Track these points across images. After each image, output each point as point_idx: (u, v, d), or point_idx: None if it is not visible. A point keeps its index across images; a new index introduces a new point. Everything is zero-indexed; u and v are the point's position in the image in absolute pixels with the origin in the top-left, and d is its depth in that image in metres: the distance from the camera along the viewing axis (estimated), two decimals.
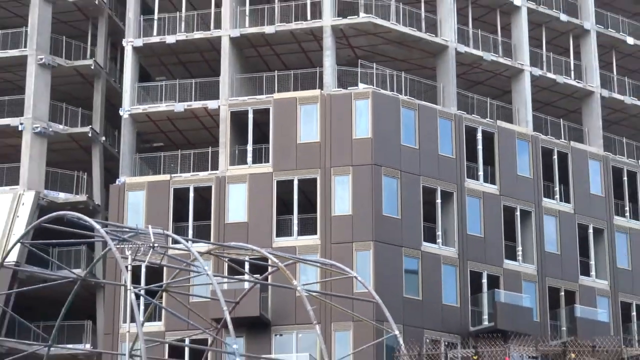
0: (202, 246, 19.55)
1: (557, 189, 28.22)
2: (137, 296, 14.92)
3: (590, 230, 28.36)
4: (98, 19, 30.05)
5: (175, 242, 17.30)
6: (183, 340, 22.08)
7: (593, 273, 28.09)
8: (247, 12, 27.44)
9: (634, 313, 28.66)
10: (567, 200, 28.39)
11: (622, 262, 29.06)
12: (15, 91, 28.85)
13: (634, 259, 29.18)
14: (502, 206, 26.75)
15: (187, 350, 22.86)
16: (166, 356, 22.13)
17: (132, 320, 14.57)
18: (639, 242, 29.69)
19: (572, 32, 31.22)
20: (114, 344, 23.01)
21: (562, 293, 27.13)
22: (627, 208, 29.91)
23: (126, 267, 13.81)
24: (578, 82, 30.33)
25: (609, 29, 31.43)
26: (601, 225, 28.80)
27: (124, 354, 17.78)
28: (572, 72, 30.62)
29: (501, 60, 28.87)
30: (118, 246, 14.18)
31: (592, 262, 28.20)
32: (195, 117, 27.22)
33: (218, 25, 27.18)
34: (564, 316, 26.96)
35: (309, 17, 26.72)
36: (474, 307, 24.97)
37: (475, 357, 16.70)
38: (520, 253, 26.63)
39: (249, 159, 25.27)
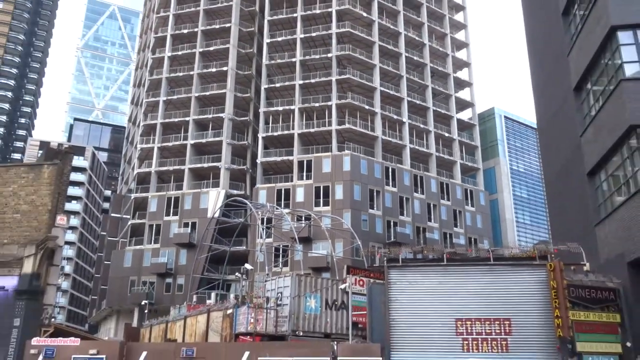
0: (286, 210, 53.42)
1: None
2: (262, 221, 49.27)
3: None
4: None
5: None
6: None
7: None
8: None
9: None
10: None
11: None
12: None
13: None
14: None
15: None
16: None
17: (261, 237, 48.84)
18: None
19: None
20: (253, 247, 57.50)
21: None
22: None
23: (258, 213, 48.21)
24: None
25: None
26: None
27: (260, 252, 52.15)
28: None
29: None
30: (255, 208, 48.69)
31: None
32: None
33: None
34: None
35: None
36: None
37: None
38: None
39: None
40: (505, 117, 77.56)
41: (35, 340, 18.13)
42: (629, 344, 17.72)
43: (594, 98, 22.92)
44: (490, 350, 16.35)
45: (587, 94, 23.66)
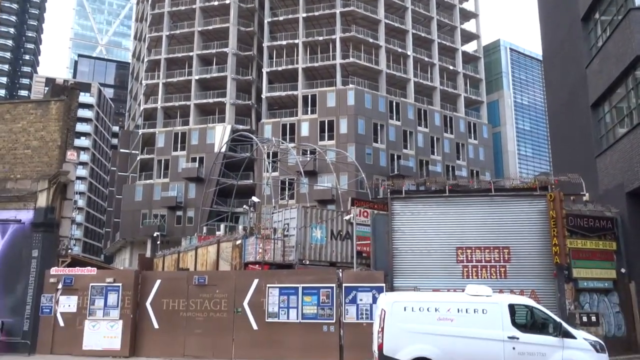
0: (291, 144, 53.39)
1: None
2: (268, 155, 49.44)
3: None
4: None
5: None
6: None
7: None
8: None
9: None
10: None
11: None
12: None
13: None
14: None
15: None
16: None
17: (267, 170, 49.08)
18: None
19: None
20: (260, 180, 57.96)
21: None
22: None
23: (264, 147, 48.26)
24: None
25: None
26: None
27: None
28: None
29: None
30: (261, 142, 48.66)
31: None
32: None
33: None
34: None
35: None
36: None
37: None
38: None
39: None
40: (511, 49, 75.65)
41: (54, 270, 18.68)
42: (623, 270, 18.11)
43: (601, 28, 22.22)
44: (489, 277, 16.74)
45: (595, 24, 22.92)
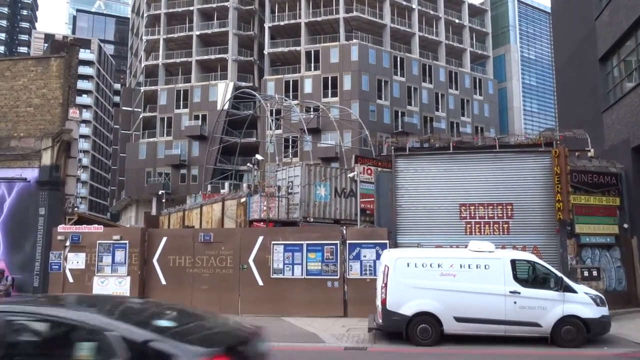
0: (294, 101, 52.97)
1: None
2: (271, 113, 49.10)
3: None
4: None
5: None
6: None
7: None
8: None
9: None
10: None
11: None
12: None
13: None
14: None
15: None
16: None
17: (270, 128, 48.78)
18: None
19: None
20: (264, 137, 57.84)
21: None
22: None
23: (267, 105, 47.86)
24: None
25: None
26: None
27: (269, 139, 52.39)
28: None
29: None
30: (264, 100, 48.22)
31: None
32: None
33: None
34: None
35: None
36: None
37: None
38: None
39: None
40: (519, 1, 73.77)
41: (61, 228, 18.90)
42: (626, 226, 18.19)
43: None
44: (492, 233, 16.84)
45: None
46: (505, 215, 17.07)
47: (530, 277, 12.88)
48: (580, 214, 17.68)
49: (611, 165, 19.14)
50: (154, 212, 56.58)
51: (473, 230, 17.12)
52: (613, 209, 18.32)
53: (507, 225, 17.03)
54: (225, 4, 61.34)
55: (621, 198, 18.47)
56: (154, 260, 18.23)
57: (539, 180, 17.11)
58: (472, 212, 17.24)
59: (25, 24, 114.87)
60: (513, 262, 12.49)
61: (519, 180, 17.22)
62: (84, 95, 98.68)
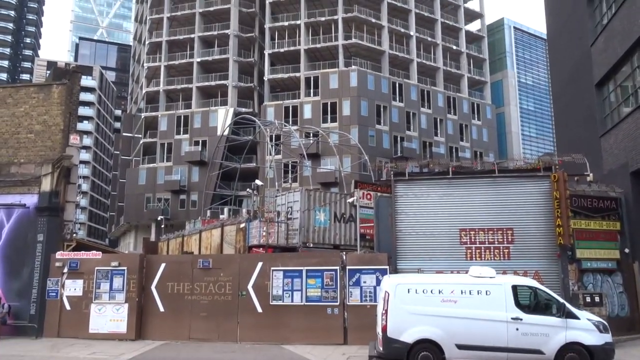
0: (294, 127, 53.23)
1: None
2: (271, 138, 49.29)
3: None
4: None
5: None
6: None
7: None
8: None
9: None
10: None
11: None
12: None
13: None
14: None
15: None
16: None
17: (270, 153, 48.97)
18: None
19: None
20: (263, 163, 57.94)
21: None
22: None
23: (267, 130, 48.11)
24: None
25: None
26: None
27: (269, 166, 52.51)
28: None
29: None
30: (264, 125, 48.51)
31: None
32: None
33: None
34: None
35: None
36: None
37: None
38: None
39: None
40: (515, 28, 74.81)
41: (59, 254, 18.78)
42: (627, 251, 18.08)
43: (606, 5, 21.90)
44: (492, 258, 16.72)
45: (600, 1, 22.59)
46: (505, 240, 16.98)
47: (532, 303, 12.73)
48: (580, 239, 17.61)
49: (610, 189, 19.14)
50: (152, 238, 56.33)
51: (473, 256, 17.01)
52: (614, 234, 18.25)
53: (507, 251, 16.93)
54: (226, 31, 62.14)
55: (621, 223, 18.41)
56: (152, 287, 18.06)
57: (538, 205, 17.07)
58: (473, 237, 17.15)
59: (28, 52, 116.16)
60: (514, 288, 12.37)
61: (519, 205, 17.18)
62: (85, 122, 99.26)
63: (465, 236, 17.19)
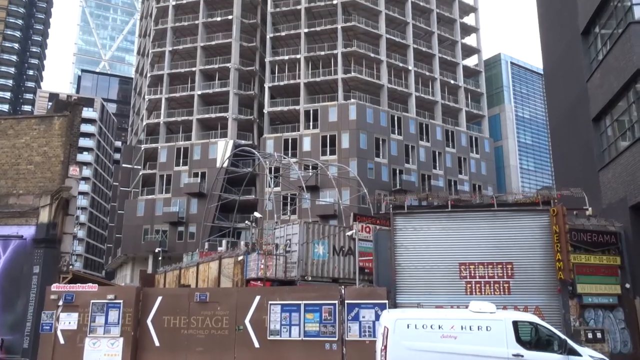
0: (293, 159, 53.43)
1: None
2: (270, 171, 49.38)
3: None
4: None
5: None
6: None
7: None
8: None
9: None
10: None
11: None
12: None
13: None
14: None
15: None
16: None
17: (269, 186, 49.02)
18: None
19: None
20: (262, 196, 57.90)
21: None
22: None
23: (266, 163, 48.28)
24: None
25: None
26: None
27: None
28: None
29: None
30: (263, 158, 48.72)
31: None
32: None
33: None
34: None
35: None
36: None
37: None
38: None
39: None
40: (512, 63, 75.97)
41: (55, 287, 18.57)
42: (628, 286, 17.94)
43: (601, 42, 22.30)
44: (492, 293, 16.59)
45: (595, 37, 23.01)
46: (505, 274, 16.87)
47: (533, 339, 12.55)
48: (581, 274, 17.48)
49: (610, 224, 19.11)
50: (149, 270, 55.84)
51: (473, 290, 16.86)
52: (614, 269, 18.13)
53: (507, 285, 16.80)
54: (227, 65, 63.01)
55: (622, 257, 18.32)
56: (148, 321, 17.80)
57: (538, 239, 17.02)
58: (472, 272, 17.04)
59: (30, 84, 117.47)
60: (515, 324, 12.21)
61: (518, 239, 17.13)
62: (85, 153, 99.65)
63: (465, 270, 17.08)
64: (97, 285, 19.13)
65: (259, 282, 23.23)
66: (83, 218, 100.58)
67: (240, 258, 25.95)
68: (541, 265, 16.79)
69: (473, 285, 16.93)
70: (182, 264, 37.02)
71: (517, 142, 72.96)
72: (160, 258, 53.10)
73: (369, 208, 44.32)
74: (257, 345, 16.90)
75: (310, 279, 24.08)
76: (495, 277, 16.87)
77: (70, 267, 21.78)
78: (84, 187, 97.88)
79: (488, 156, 67.54)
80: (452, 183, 62.32)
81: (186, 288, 25.26)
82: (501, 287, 16.76)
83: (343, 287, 17.88)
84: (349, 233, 23.94)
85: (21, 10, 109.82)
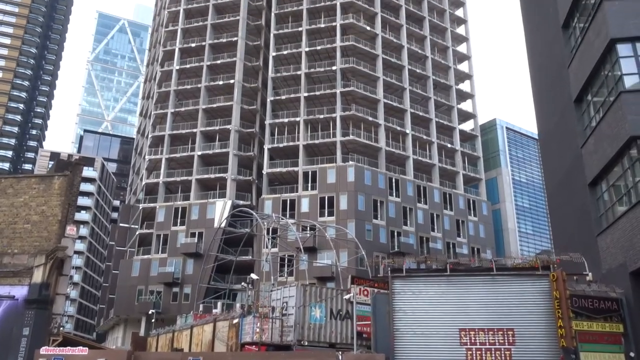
0: (291, 220, 53.39)
1: None
2: (268, 231, 49.24)
3: None
4: None
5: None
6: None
7: None
8: None
9: None
10: None
11: None
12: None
13: None
14: None
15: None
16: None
17: (266, 246, 48.78)
18: None
19: None
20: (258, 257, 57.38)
21: None
22: None
23: (264, 223, 48.13)
24: None
25: None
26: None
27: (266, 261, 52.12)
28: None
29: None
30: (261, 218, 48.61)
31: None
32: None
33: None
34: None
35: None
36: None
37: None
38: None
39: None
40: (507, 128, 77.46)
41: (44, 350, 18.07)
42: (632, 354, 17.52)
43: (594, 109, 22.86)
44: None
45: (588, 105, 23.60)
46: (506, 341, 16.50)
47: None
48: (584, 341, 17.10)
49: (611, 290, 18.89)
50: (142, 332, 54.46)
51: (474, 357, 16.45)
52: (617, 336, 17.76)
53: (509, 352, 16.40)
54: (228, 127, 64.10)
55: (624, 324, 17.99)
56: None
57: (538, 305, 16.77)
58: (473, 338, 16.68)
59: (33, 143, 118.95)
60: None
61: (519, 305, 16.88)
62: (83, 212, 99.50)
63: (466, 336, 16.72)
64: (87, 348, 18.62)
65: (254, 346, 22.63)
66: (77, 278, 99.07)
67: (235, 321, 25.40)
68: (543, 332, 16.47)
69: (474, 352, 16.53)
70: (176, 327, 36.18)
71: (515, 205, 73.21)
72: (153, 320, 51.91)
73: (367, 270, 43.83)
74: None
75: (307, 343, 23.48)
76: (497, 343, 16.49)
77: (61, 329, 21.27)
78: (80, 245, 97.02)
79: (486, 219, 67.57)
80: (451, 245, 61.96)
81: (179, 352, 24.56)
82: (502, 355, 16.35)
83: (340, 352, 17.43)
84: (347, 296, 23.55)
85: (28, 72, 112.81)
